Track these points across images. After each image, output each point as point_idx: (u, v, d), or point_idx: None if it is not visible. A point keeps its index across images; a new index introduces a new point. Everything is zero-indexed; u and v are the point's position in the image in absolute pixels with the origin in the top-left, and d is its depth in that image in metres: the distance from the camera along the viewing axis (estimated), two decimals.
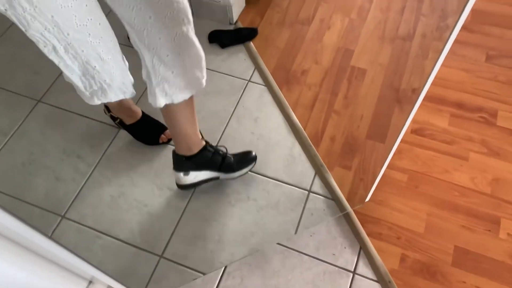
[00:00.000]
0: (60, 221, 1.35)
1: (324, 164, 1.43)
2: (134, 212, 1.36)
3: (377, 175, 1.20)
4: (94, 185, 1.41)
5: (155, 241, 1.31)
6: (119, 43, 0.99)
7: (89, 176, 1.43)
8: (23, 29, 0.82)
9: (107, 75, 0.97)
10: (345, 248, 1.28)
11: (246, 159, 1.37)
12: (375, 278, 1.23)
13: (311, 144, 1.47)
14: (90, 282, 0.80)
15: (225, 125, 1.52)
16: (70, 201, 1.38)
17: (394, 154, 1.12)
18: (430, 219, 1.32)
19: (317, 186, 1.39)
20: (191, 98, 1.10)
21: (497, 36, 1.71)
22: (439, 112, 1.53)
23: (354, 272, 1.25)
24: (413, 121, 1.50)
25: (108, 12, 0.92)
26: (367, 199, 1.34)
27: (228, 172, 1.33)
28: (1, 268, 0.52)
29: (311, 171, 1.42)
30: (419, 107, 0.90)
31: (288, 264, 1.26)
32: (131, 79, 1.05)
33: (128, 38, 0.96)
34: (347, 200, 1.35)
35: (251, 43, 1.73)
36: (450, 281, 1.22)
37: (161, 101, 1.05)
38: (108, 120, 1.51)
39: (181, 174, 1.29)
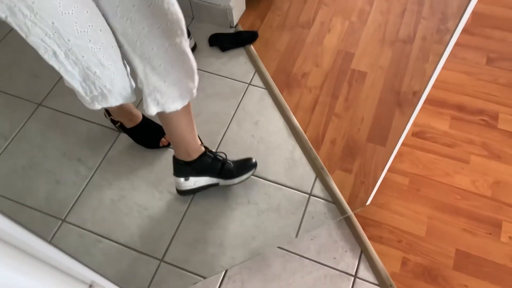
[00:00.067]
0: (61, 224, 1.35)
1: (324, 167, 1.42)
2: (135, 216, 1.35)
3: (378, 178, 1.20)
4: (95, 188, 1.41)
5: (155, 245, 1.30)
6: None
7: (90, 179, 1.43)
8: (23, 36, 0.82)
9: (108, 80, 0.97)
10: (346, 251, 1.28)
11: (246, 165, 1.36)
12: (376, 282, 1.23)
13: (312, 147, 1.47)
14: (90, 286, 0.80)
15: (225, 128, 1.52)
16: (71, 204, 1.38)
17: (395, 157, 1.11)
18: (431, 223, 1.31)
19: (318, 189, 1.38)
20: (187, 104, 1.10)
21: (498, 39, 1.71)
22: (440, 115, 1.52)
23: (355, 276, 1.24)
24: (414, 124, 1.50)
25: None
26: (368, 202, 1.33)
27: (227, 178, 1.33)
28: (0, 272, 0.52)
29: (311, 174, 1.41)
30: (419, 110, 0.89)
31: (289, 268, 1.26)
32: (132, 84, 1.06)
33: None
34: (348, 203, 1.35)
35: (252, 46, 1.74)
36: (452, 285, 1.21)
37: (153, 110, 1.06)
38: (109, 123, 1.51)
39: (182, 179, 1.29)
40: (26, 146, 1.51)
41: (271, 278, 1.25)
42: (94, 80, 0.96)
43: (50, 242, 0.63)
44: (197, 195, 1.38)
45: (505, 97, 1.55)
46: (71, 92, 1.09)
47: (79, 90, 1.00)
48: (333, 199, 1.36)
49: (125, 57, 0.97)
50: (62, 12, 0.78)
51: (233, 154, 1.41)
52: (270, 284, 1.24)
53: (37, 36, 0.81)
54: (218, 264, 1.27)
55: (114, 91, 1.01)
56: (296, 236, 1.31)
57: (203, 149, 1.27)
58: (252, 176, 1.40)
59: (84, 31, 0.84)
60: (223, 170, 1.31)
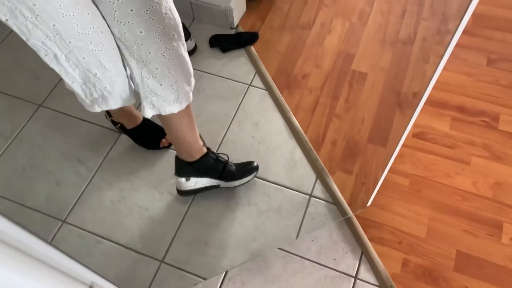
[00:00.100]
0: (61, 225, 1.35)
1: (325, 168, 1.42)
2: (135, 217, 1.35)
3: (379, 180, 1.20)
4: (95, 189, 1.41)
5: (155, 246, 1.30)
6: None
7: (90, 180, 1.43)
8: (24, 38, 0.82)
9: (108, 82, 0.97)
10: (346, 253, 1.28)
11: (248, 168, 1.36)
12: (376, 283, 1.23)
13: (312, 148, 1.46)
14: (91, 287, 0.80)
15: (226, 129, 1.52)
16: (71, 205, 1.38)
17: (396, 158, 1.11)
18: (432, 224, 1.31)
19: (319, 190, 1.38)
20: (187, 106, 1.10)
21: (499, 40, 1.71)
22: (440, 116, 1.52)
23: (355, 277, 1.24)
24: (415, 125, 1.50)
25: None
26: (368, 204, 1.33)
27: (228, 180, 1.33)
28: (0, 273, 0.52)
29: (312, 175, 1.41)
30: (420, 111, 0.89)
31: (289, 269, 1.26)
32: (132, 86, 1.06)
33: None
34: (349, 204, 1.35)
35: (252, 47, 1.74)
36: (452, 286, 1.21)
37: (149, 112, 1.07)
38: (109, 124, 1.51)
39: (183, 179, 1.28)
40: (26, 147, 1.51)
41: (271, 279, 1.24)
42: (94, 82, 0.96)
43: (50, 243, 0.63)
44: (197, 196, 1.38)
45: (506, 98, 1.55)
46: (72, 93, 1.09)
47: (80, 93, 1.00)
48: (333, 200, 1.36)
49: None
50: (63, 14, 0.78)
51: (234, 155, 1.41)
52: (270, 285, 1.23)
53: (38, 39, 0.81)
54: (219, 265, 1.27)
55: (115, 93, 1.01)
56: (297, 237, 1.30)
57: (205, 150, 1.27)
58: None
59: (85, 33, 0.84)
60: (225, 171, 1.31)
